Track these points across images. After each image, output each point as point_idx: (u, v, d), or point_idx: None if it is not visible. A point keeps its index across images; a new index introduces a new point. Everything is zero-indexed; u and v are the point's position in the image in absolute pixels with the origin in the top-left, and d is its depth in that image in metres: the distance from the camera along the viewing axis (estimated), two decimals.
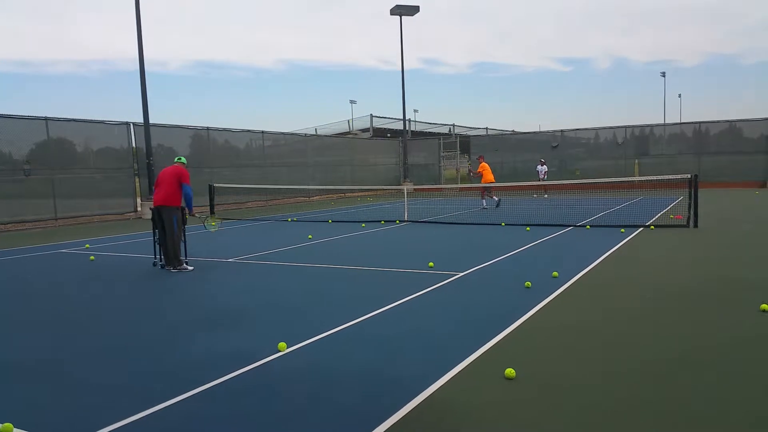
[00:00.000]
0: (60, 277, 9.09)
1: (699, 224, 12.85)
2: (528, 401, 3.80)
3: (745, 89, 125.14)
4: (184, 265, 9.03)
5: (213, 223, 10.38)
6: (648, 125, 32.26)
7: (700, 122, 30.83)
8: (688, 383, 4.05)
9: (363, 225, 15.30)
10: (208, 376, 4.35)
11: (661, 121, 38.89)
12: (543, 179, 26.12)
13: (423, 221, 16.00)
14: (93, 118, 20.06)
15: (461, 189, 31.03)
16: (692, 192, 13.15)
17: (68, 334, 5.76)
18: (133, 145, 21.11)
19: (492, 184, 20.00)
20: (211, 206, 19.06)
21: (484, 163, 20.11)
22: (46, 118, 18.43)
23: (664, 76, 66.34)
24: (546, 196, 25.70)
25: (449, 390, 4.01)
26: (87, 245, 12.75)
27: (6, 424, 3.50)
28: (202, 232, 10.44)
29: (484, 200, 19.96)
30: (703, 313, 5.89)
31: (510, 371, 4.19)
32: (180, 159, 9.44)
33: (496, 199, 20.38)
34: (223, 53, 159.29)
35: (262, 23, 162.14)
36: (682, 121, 36.71)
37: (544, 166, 27.00)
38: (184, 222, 9.40)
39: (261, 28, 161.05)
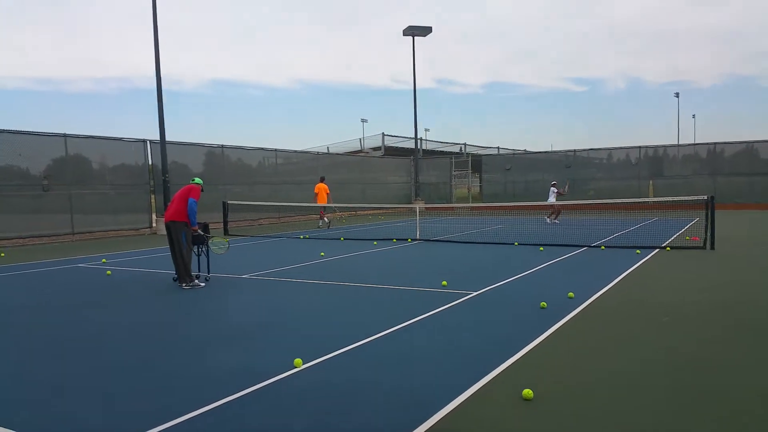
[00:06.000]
0: (77, 292, 9.17)
1: (716, 246, 12.74)
2: (546, 422, 3.78)
3: (761, 110, 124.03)
4: (196, 281, 9.07)
5: (224, 241, 10.16)
6: (662, 146, 32.14)
7: (715, 143, 30.63)
8: (707, 408, 4.00)
9: (375, 243, 15.31)
10: (223, 391, 4.36)
11: (675, 142, 38.72)
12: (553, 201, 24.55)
13: (435, 240, 15.99)
14: (110, 135, 20.34)
15: (473, 208, 30.98)
16: (708, 213, 13.04)
17: (83, 348, 5.80)
18: (150, 162, 21.36)
19: (326, 206, 21.82)
20: (225, 223, 19.19)
21: (321, 184, 21.81)
22: (64, 135, 18.74)
23: (677, 96, 65.94)
24: (557, 221, 22.32)
25: (466, 410, 3.99)
26: (104, 260, 12.87)
27: None
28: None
29: (323, 218, 21.85)
30: (721, 336, 5.83)
31: (528, 392, 4.16)
32: (194, 180, 9.48)
33: (327, 220, 21.97)
34: (238, 72, 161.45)
35: (277, 43, 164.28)
36: (696, 141, 36.50)
37: (554, 187, 24.30)
38: (204, 239, 9.49)
39: (276, 48, 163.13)
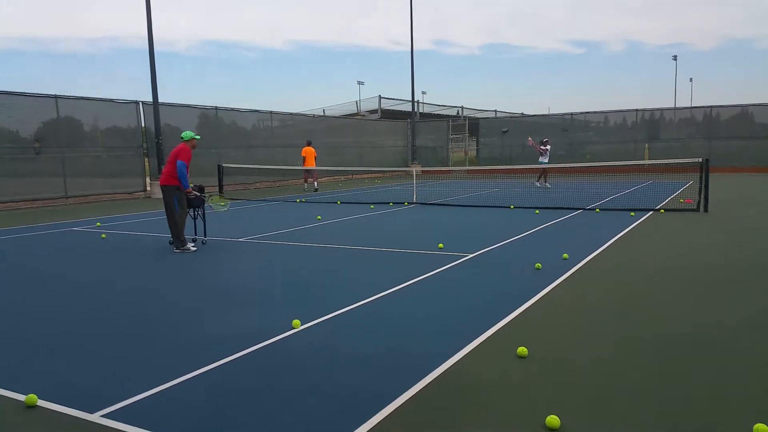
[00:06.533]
0: (73, 255, 9.17)
1: (709, 209, 12.80)
2: (540, 378, 3.85)
3: (758, 74, 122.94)
4: (188, 245, 9.05)
5: (222, 203, 10.17)
6: (658, 109, 31.96)
7: (711, 106, 30.47)
8: (699, 364, 4.07)
9: (372, 207, 15.31)
10: (222, 352, 4.41)
11: (672, 105, 38.48)
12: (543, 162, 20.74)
13: (431, 203, 16.00)
14: (102, 97, 20.05)
15: (469, 171, 30.93)
16: (703, 176, 13.08)
17: (78, 312, 5.84)
18: (142, 124, 21.11)
19: (314, 169, 22.04)
20: (220, 186, 19.12)
21: (309, 147, 22.00)
22: (55, 96, 18.44)
23: (675, 59, 65.29)
24: (547, 185, 20.82)
25: (462, 368, 4.06)
26: (98, 223, 12.84)
27: (30, 395, 3.57)
28: (214, 212, 10.41)
29: (314, 183, 22.25)
30: (713, 295, 5.90)
31: (522, 349, 4.23)
32: (183, 136, 9.26)
33: (312, 184, 22.27)
34: (231, 33, 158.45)
35: (271, 3, 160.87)
36: (693, 105, 36.29)
37: (547, 146, 20.97)
38: (200, 202, 9.47)
39: (270, 8, 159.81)
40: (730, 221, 11.46)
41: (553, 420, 3.12)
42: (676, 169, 24.47)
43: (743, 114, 29.94)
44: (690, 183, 19.57)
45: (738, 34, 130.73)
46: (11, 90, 17.53)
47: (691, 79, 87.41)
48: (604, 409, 3.40)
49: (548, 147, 20.64)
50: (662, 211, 13.03)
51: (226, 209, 10.04)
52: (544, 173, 21.17)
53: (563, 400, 3.51)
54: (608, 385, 3.74)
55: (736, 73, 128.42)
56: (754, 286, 6.23)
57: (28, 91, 17.96)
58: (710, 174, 13.33)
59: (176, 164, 8.89)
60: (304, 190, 22.20)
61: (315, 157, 22.25)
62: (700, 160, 13.45)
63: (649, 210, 13.12)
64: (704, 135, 30.18)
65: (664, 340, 4.56)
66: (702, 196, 12.93)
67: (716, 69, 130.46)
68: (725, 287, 6.24)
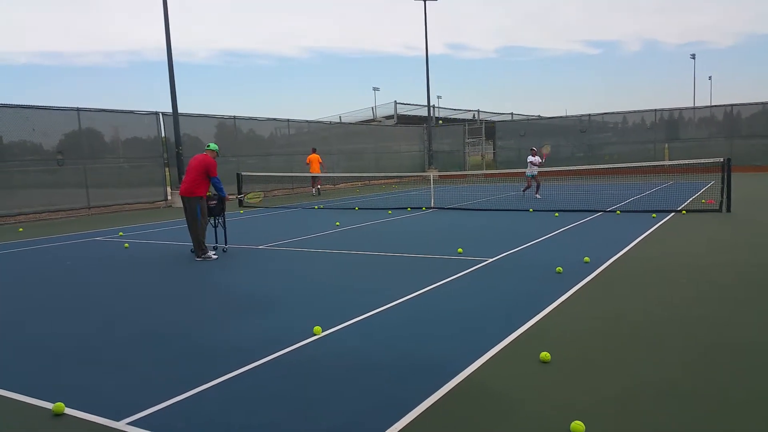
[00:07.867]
0: (97, 264, 9.30)
1: (732, 209, 12.61)
2: (564, 384, 3.82)
3: None
4: (209, 253, 9.15)
5: (257, 198, 10.35)
6: (677, 108, 31.56)
7: (731, 105, 30.01)
8: (724, 367, 4.01)
9: (389, 212, 15.32)
10: (245, 359, 4.44)
11: (691, 105, 37.96)
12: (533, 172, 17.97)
13: (449, 208, 15.97)
14: (123, 108, 20.38)
15: (487, 175, 30.80)
16: (725, 176, 12.88)
17: (108, 319, 5.92)
18: (162, 134, 21.39)
19: (318, 175, 23.54)
20: (240, 194, 19.27)
21: (314, 155, 23.48)
22: (77, 109, 18.76)
23: (693, 58, 64.61)
24: (538, 196, 17.89)
25: (485, 373, 4.04)
26: (120, 233, 13.02)
27: (58, 403, 3.63)
28: (234, 220, 10.52)
29: (313, 189, 23.75)
30: (738, 298, 5.81)
31: (545, 354, 4.20)
32: (209, 146, 9.53)
33: (316, 191, 23.75)
34: (247, 42, 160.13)
35: (285, 12, 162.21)
36: (713, 104, 35.74)
37: (536, 157, 18.06)
38: (220, 210, 9.62)
39: (284, 17, 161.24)
40: (755, 221, 11.27)
41: (577, 426, 3.09)
42: (697, 170, 24.15)
43: (765, 112, 29.42)
44: (712, 183, 19.29)
45: (758, 30, 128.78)
46: (34, 104, 17.89)
47: (710, 78, 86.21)
48: (630, 415, 3.36)
49: (537, 158, 17.96)
50: (684, 212, 12.85)
51: (259, 200, 10.31)
52: (533, 184, 18.36)
53: (588, 406, 3.48)
54: (633, 389, 3.70)
55: (756, 70, 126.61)
56: None
57: (50, 105, 18.31)
58: (732, 173, 13.13)
59: (211, 180, 9.23)
60: (313, 195, 23.27)
61: (321, 164, 23.62)
62: (722, 159, 13.26)
63: (671, 211, 12.96)
64: (725, 134, 29.73)
65: (690, 345, 4.50)
66: (724, 197, 12.75)
67: (736, 66, 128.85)
68: (752, 290, 6.13)
